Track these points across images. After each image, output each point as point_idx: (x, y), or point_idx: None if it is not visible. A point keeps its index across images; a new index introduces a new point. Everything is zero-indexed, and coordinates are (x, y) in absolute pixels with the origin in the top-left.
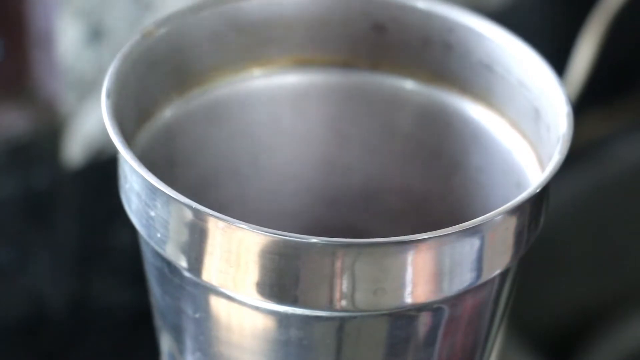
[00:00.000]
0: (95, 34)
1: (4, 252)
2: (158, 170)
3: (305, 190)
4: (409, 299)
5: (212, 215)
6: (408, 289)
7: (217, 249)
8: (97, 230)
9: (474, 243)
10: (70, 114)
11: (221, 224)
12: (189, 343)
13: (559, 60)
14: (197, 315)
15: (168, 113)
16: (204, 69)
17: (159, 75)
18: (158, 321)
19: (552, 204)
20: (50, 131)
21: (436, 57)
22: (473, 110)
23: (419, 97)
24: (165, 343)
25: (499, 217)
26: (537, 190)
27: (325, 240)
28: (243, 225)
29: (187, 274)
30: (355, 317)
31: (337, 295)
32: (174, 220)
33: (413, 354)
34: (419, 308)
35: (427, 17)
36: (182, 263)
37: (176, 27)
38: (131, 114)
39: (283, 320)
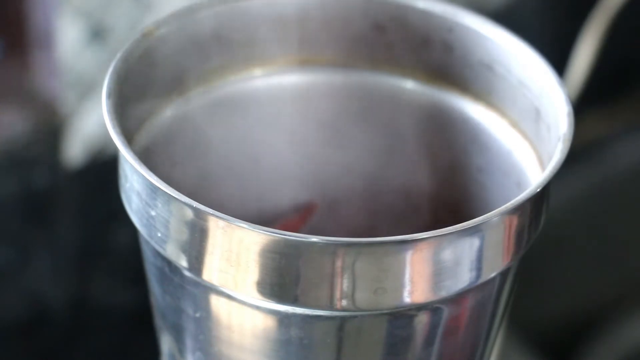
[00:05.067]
0: (96, 34)
1: (4, 252)
2: (158, 170)
3: (305, 190)
4: (409, 299)
5: (212, 214)
6: (408, 288)
7: (217, 248)
8: (97, 230)
9: (474, 243)
10: (70, 114)
11: (222, 223)
12: (189, 343)
13: (559, 60)
14: (197, 315)
15: (168, 113)
16: (204, 68)
17: (159, 75)
18: (158, 321)
19: (552, 204)
20: (50, 131)
21: (436, 57)
22: (473, 110)
23: (419, 97)
24: (166, 343)
25: (499, 216)
26: (538, 190)
27: (326, 240)
28: (243, 224)
29: (187, 273)
30: (355, 317)
31: (337, 294)
32: (174, 220)
33: (413, 353)
34: (419, 307)
35: (427, 17)
36: (183, 262)
37: (176, 27)
38: (131, 114)
39: (283, 319)
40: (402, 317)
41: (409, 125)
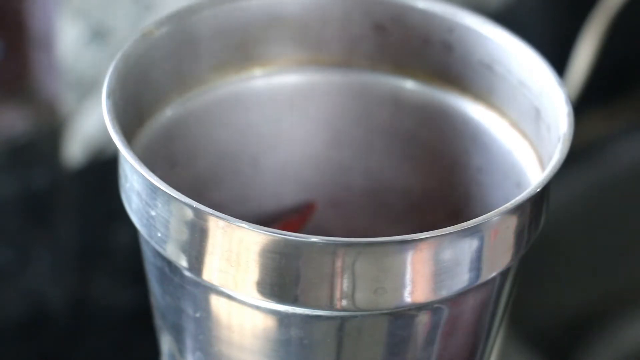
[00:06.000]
0: (95, 34)
1: (4, 252)
2: (158, 170)
3: (305, 190)
4: (409, 299)
5: (212, 214)
6: (408, 288)
7: (217, 248)
8: (97, 230)
9: (473, 243)
10: (70, 114)
11: (222, 223)
12: (189, 343)
13: (559, 60)
14: (197, 315)
15: (168, 113)
16: (204, 69)
17: (159, 75)
18: (158, 321)
19: (552, 204)
20: (50, 131)
21: (436, 57)
22: (473, 110)
23: (419, 97)
24: (166, 343)
25: (499, 216)
26: (538, 190)
27: (326, 240)
28: (243, 224)
29: (187, 273)
30: (355, 317)
31: (337, 294)
32: (174, 220)
33: (413, 353)
34: (419, 307)
35: (427, 17)
36: (183, 262)
37: (176, 27)
38: (131, 114)
39: (284, 319)
40: (402, 317)
41: (409, 125)
